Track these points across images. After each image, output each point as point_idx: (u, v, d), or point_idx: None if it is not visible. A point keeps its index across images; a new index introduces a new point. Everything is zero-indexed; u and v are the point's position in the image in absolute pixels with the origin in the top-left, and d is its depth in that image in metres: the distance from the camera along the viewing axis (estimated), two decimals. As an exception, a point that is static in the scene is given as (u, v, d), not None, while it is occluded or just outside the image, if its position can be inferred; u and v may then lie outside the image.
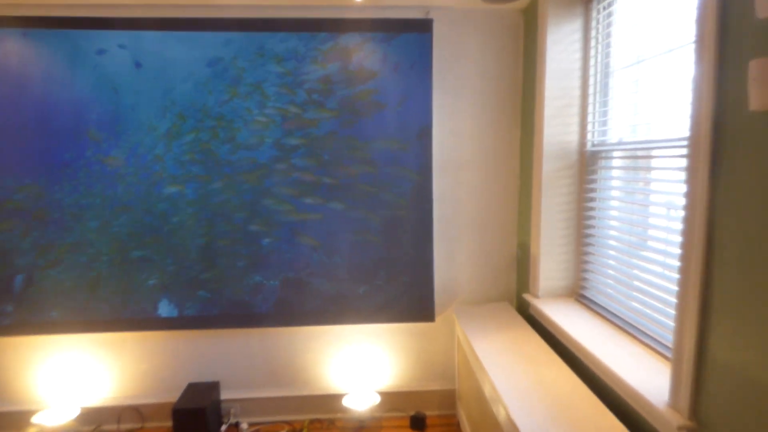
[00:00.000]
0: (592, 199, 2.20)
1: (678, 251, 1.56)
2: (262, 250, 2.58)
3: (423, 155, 2.56)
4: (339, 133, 2.54)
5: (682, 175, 1.61)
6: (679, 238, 1.56)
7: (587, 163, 2.22)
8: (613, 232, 2.05)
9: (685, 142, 1.49)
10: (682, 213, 1.47)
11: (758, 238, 1.05)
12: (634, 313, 1.82)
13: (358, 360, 2.73)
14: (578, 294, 2.29)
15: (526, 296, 2.41)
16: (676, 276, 1.51)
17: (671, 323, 1.60)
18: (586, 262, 2.23)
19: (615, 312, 1.96)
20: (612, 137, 2.08)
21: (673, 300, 1.58)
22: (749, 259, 1.08)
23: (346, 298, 2.63)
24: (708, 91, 1.18)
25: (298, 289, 2.61)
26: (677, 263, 1.54)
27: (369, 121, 2.54)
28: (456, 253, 2.69)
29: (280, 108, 2.51)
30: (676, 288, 1.44)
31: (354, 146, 2.56)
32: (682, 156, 1.53)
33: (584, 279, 2.25)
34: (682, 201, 1.54)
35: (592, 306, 2.11)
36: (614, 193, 2.09)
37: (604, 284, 2.05)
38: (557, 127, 2.24)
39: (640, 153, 1.87)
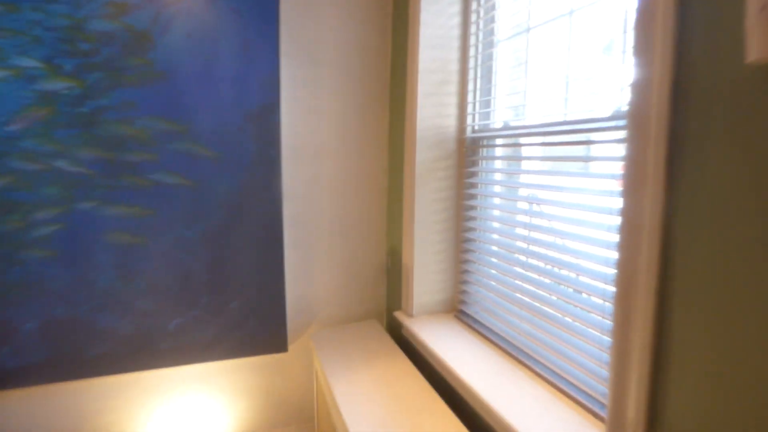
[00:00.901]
0: (472, 196, 1.83)
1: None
2: (9, 274, 1.74)
3: (266, 139, 1.96)
4: (139, 106, 1.81)
5: (606, 166, 1.27)
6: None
7: (467, 153, 1.84)
8: (495, 236, 1.70)
9: (616, 122, 1.14)
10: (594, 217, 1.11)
11: (752, 257, 0.69)
12: (528, 338, 1.46)
13: (186, 411, 2.04)
14: (458, 310, 1.91)
15: (398, 314, 1.96)
16: (594, 299, 1.16)
17: (587, 361, 1.25)
18: (467, 271, 1.86)
19: (504, 335, 1.60)
20: (497, 120, 1.72)
21: (586, 330, 1.24)
22: (739, 291, 0.72)
23: (150, 337, 1.91)
24: (664, 41, 0.81)
25: (73, 331, 1.82)
26: (598, 283, 1.19)
27: (189, 91, 1.86)
28: (313, 263, 2.14)
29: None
30: (591, 314, 1.08)
31: (165, 124, 1.85)
32: (608, 141, 1.18)
33: (464, 292, 1.88)
34: (593, 200, 1.19)
35: (475, 325, 1.74)
36: (497, 188, 1.73)
37: (486, 298, 1.68)
38: (432, 108, 1.83)
39: (533, 139, 1.53)
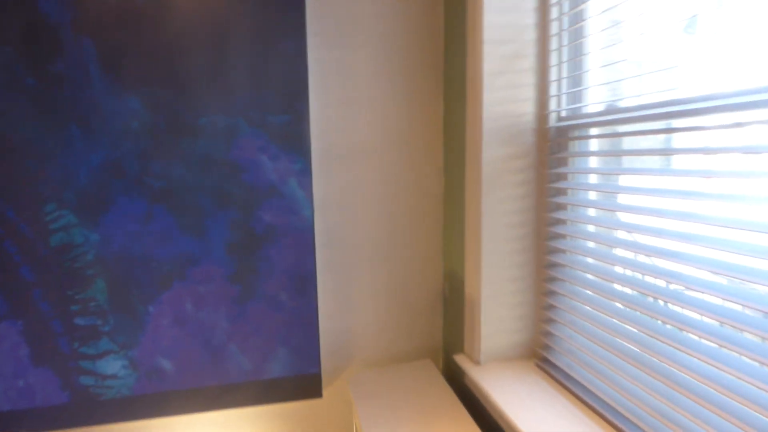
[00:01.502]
0: (559, 206, 1.37)
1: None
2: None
3: (294, 138, 1.60)
4: (121, 96, 1.51)
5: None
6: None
7: (551, 148, 1.38)
8: (591, 260, 1.23)
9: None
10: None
11: None
12: (640, 405, 0.98)
13: (202, 466, 1.71)
14: (540, 357, 1.45)
15: (460, 359, 1.53)
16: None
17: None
18: (552, 306, 1.39)
19: (606, 397, 1.12)
20: (593, 102, 1.25)
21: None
22: None
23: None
24: None
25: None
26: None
27: (193, 85, 1.55)
28: (352, 289, 1.74)
29: None
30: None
31: (174, 124, 1.54)
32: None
33: (549, 334, 1.41)
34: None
35: (564, 380, 1.27)
36: (594, 195, 1.26)
37: (580, 344, 1.21)
38: (502, 91, 1.38)
39: (655, 124, 1.05)
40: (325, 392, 1.76)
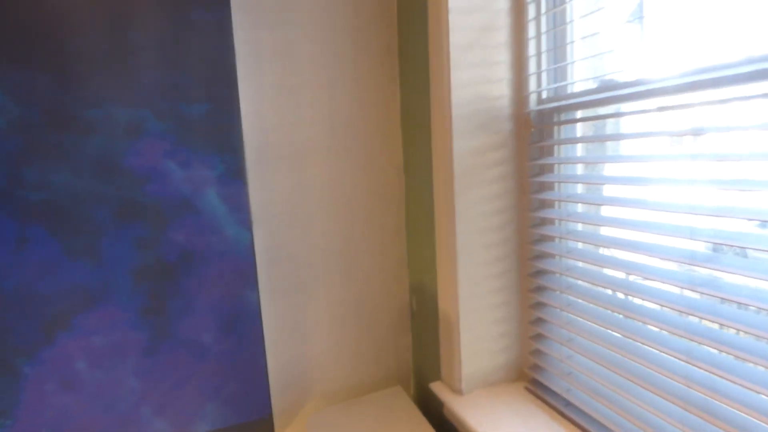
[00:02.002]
0: (547, 204, 1.17)
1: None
2: None
3: (216, 133, 1.30)
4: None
5: None
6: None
7: (532, 137, 1.18)
8: (581, 264, 1.04)
9: None
10: None
11: None
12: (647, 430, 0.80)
13: None
14: (530, 379, 1.25)
15: (437, 387, 1.30)
16: None
17: None
18: (541, 320, 1.20)
19: (609, 423, 0.94)
20: (580, 80, 1.05)
21: None
22: None
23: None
24: None
25: None
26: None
27: (86, 60, 1.22)
28: (305, 312, 1.47)
29: None
30: None
31: (65, 116, 1.21)
32: None
33: (540, 352, 1.21)
34: None
35: (563, 406, 1.07)
36: (583, 188, 1.07)
37: (575, 361, 1.02)
38: (473, 70, 1.16)
39: (662, 101, 0.86)
40: None
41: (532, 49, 1.16)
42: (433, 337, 1.39)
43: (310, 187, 1.43)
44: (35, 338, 1.25)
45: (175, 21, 1.26)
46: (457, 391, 1.24)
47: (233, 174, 1.32)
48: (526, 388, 1.22)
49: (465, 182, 1.18)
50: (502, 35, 1.17)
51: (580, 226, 1.09)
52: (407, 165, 1.49)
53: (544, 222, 1.18)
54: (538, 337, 1.21)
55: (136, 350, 1.31)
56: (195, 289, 1.33)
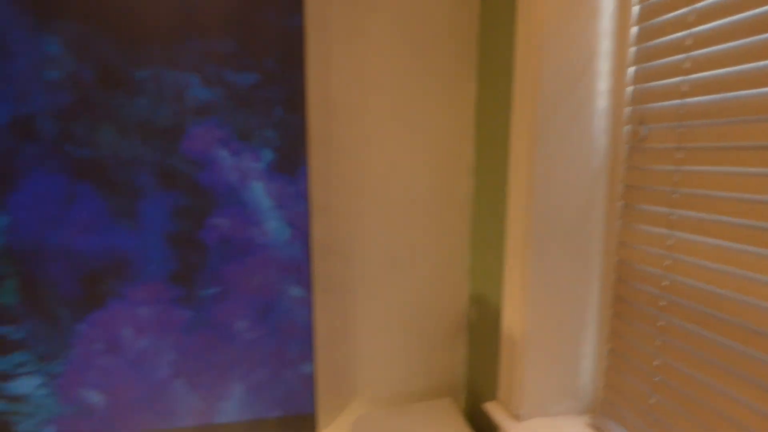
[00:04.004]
0: (648, 219, 1.03)
1: None
2: None
3: (283, 123, 1.22)
4: (36, 34, 1.10)
5: None
6: None
7: (635, 139, 1.02)
8: (686, 296, 0.89)
9: None
10: None
11: None
12: None
13: None
14: (598, 414, 1.12)
15: (493, 408, 1.19)
16: None
17: None
18: (622, 353, 1.06)
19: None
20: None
21: None
22: None
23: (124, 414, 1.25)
24: None
25: None
26: None
27: (141, 19, 1.15)
28: (356, 313, 1.37)
29: None
30: None
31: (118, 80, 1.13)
32: None
33: (612, 385, 1.08)
34: None
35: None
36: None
37: (662, 406, 0.88)
38: (565, 66, 1.01)
39: None
40: None
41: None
42: (491, 354, 1.27)
43: (371, 182, 1.32)
44: (86, 299, 1.23)
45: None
46: (515, 417, 1.13)
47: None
48: (591, 425, 1.10)
49: (545, 188, 1.04)
50: (603, 23, 1.01)
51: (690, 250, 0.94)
52: (478, 166, 1.35)
53: (640, 238, 1.03)
54: (616, 369, 1.08)
55: (176, 327, 1.28)
56: (234, 277, 1.27)
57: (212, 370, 1.30)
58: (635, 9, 1.00)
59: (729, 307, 0.80)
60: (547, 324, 1.10)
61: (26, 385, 1.22)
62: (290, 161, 1.25)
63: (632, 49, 1.01)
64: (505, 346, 1.17)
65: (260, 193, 1.26)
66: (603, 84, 1.03)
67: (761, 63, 0.74)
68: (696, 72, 0.86)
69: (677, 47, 0.89)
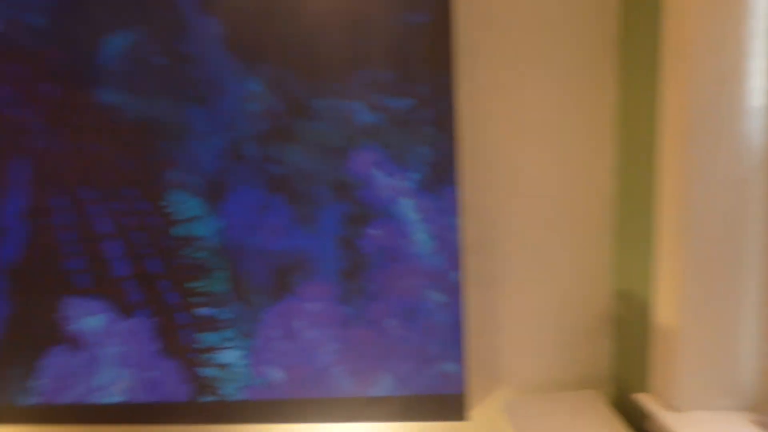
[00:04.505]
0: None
1: None
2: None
3: (437, 136, 1.39)
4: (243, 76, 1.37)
5: None
6: None
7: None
8: None
9: None
10: None
11: None
12: None
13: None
14: (765, 411, 1.12)
15: (643, 399, 1.24)
16: None
17: None
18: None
19: None
20: None
21: None
22: None
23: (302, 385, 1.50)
24: None
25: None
26: None
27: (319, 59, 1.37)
28: (502, 304, 1.50)
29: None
30: None
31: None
32: None
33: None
34: None
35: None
36: None
37: None
38: (720, 64, 1.05)
39: None
40: (470, 416, 1.53)
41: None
42: (640, 347, 1.32)
43: (516, 184, 1.45)
44: (271, 292, 1.49)
45: (396, 24, 1.36)
46: (671, 407, 1.16)
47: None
48: (756, 422, 1.10)
49: (700, 187, 1.08)
50: (755, 22, 1.03)
51: None
52: (621, 165, 1.41)
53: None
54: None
55: (337, 321, 1.48)
56: (385, 281, 1.45)
57: (367, 360, 1.50)
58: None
59: None
60: (703, 319, 1.12)
61: (230, 356, 1.52)
62: (438, 179, 1.41)
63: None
64: (658, 340, 1.21)
65: (409, 208, 1.44)
66: (757, 82, 1.05)
67: None
68: None
69: None
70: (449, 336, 1.45)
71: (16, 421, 1.52)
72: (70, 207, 1.46)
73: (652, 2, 1.21)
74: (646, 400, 1.22)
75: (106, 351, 1.50)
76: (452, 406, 1.48)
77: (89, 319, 1.48)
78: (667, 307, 1.17)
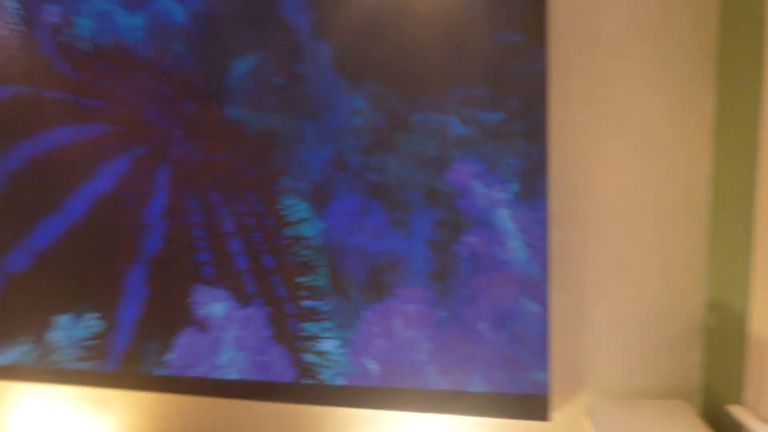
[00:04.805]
0: None
1: None
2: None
3: (528, 150, 1.47)
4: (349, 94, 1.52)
5: None
6: None
7: None
8: None
9: None
10: None
11: None
12: None
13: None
14: None
15: (738, 411, 1.25)
16: None
17: None
18: None
19: None
20: None
21: None
22: None
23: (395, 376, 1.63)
24: None
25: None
26: None
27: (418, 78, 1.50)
28: (588, 311, 1.55)
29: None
30: None
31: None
32: None
33: None
34: None
35: None
36: None
37: None
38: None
39: None
40: (553, 416, 1.60)
41: None
42: (734, 358, 1.33)
43: (606, 189, 1.49)
44: (368, 290, 1.63)
45: (491, 44, 1.45)
46: (766, 420, 1.18)
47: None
48: None
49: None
50: None
51: None
52: (718, 173, 1.42)
53: None
54: None
55: (432, 322, 1.60)
56: (479, 287, 1.55)
57: (458, 360, 1.59)
58: None
59: None
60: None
61: (329, 345, 1.68)
62: (530, 189, 1.49)
63: None
64: (753, 351, 1.23)
65: (506, 218, 1.53)
66: None
67: None
68: None
69: None
70: (536, 339, 1.52)
71: (152, 389, 1.78)
72: (201, 208, 1.69)
73: (754, 11, 1.23)
74: (739, 412, 1.24)
75: (226, 335, 1.72)
76: (536, 406, 1.55)
77: (214, 305, 1.71)
78: (764, 319, 1.19)
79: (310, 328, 1.69)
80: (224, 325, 1.71)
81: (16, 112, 1.72)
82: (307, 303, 1.68)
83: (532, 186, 1.49)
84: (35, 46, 1.67)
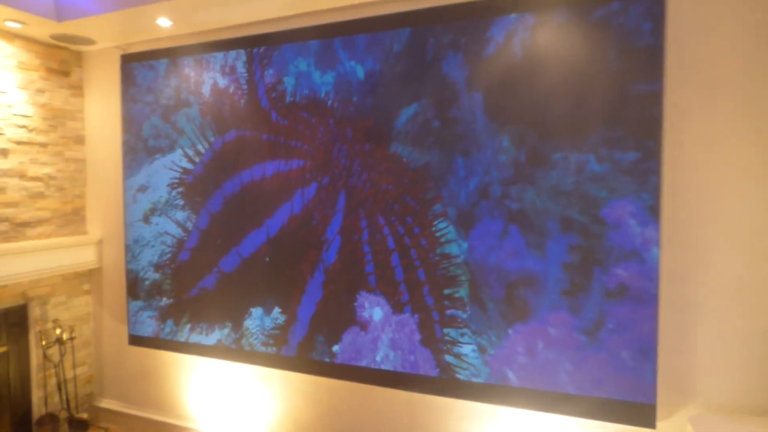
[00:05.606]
0: None
1: None
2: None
3: (642, 175, 1.68)
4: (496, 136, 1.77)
5: None
6: None
7: None
8: None
9: None
10: None
11: None
12: None
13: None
14: None
15: None
16: None
17: None
18: None
19: None
20: None
21: None
22: None
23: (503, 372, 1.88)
24: None
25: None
26: None
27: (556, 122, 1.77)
28: (697, 329, 1.72)
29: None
30: None
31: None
32: None
33: None
34: None
35: None
36: None
37: None
38: None
39: None
40: (659, 425, 1.76)
41: None
42: None
43: (715, 218, 1.67)
44: (512, 311, 1.88)
45: (620, 92, 1.67)
46: None
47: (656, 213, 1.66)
48: None
49: None
50: None
51: None
52: None
53: None
54: None
55: (573, 345, 1.80)
56: (625, 316, 1.73)
57: (594, 384, 1.78)
58: None
59: None
60: None
61: (465, 349, 1.96)
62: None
63: None
64: None
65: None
66: None
67: None
68: None
69: None
70: (648, 351, 1.69)
71: (323, 374, 2.17)
72: (369, 228, 2.06)
73: None
74: None
75: (383, 336, 2.06)
76: (643, 414, 1.71)
77: (375, 309, 2.06)
78: None
79: (451, 333, 1.98)
80: (381, 327, 2.06)
81: (237, 151, 2.23)
82: (450, 311, 1.98)
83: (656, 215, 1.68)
84: (255, 101, 2.17)
